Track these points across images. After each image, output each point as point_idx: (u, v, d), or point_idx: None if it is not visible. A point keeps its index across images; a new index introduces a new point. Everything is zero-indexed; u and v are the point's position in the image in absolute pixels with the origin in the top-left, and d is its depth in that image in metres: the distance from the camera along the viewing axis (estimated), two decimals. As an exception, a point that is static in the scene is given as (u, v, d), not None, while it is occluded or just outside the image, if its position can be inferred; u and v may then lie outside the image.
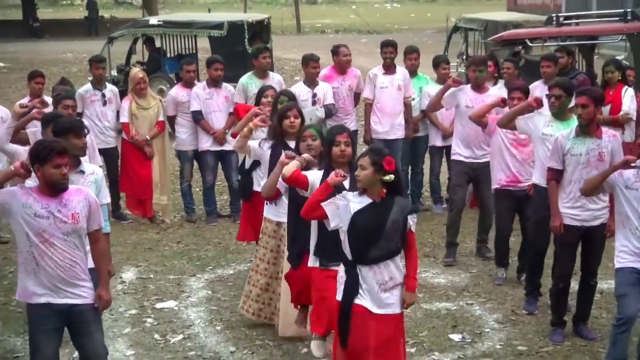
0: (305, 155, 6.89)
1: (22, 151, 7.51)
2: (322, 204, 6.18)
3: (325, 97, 11.03)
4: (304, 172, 6.76)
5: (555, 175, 7.67)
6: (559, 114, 8.10)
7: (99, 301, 6.33)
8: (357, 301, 6.16)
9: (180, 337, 8.25)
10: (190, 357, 7.82)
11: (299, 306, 7.67)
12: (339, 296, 6.29)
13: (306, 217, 6.46)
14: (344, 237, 6.19)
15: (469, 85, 10.12)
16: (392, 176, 6.01)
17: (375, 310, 6.18)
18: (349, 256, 6.19)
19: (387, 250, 6.16)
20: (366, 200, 6.12)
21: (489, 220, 10.06)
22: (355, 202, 6.12)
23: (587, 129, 7.48)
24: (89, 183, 6.66)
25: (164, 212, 12.06)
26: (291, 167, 6.69)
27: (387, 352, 6.29)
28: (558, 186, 7.69)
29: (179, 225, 11.90)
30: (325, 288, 6.75)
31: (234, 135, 8.79)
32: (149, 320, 8.66)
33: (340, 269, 6.31)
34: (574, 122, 7.78)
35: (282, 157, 6.30)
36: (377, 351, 6.20)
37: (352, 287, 6.17)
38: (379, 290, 6.17)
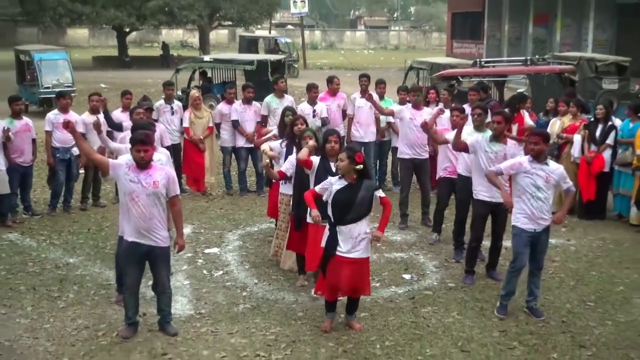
0: (311, 143, 7.25)
1: (124, 148, 7.49)
2: (316, 188, 6.58)
3: (322, 112, 11.04)
4: (311, 157, 7.15)
5: (465, 147, 7.88)
6: (479, 126, 8.18)
7: (177, 246, 6.59)
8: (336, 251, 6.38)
9: (221, 272, 8.25)
10: (228, 286, 7.82)
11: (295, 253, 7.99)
12: (323, 244, 6.54)
13: (305, 198, 6.72)
14: (328, 207, 6.43)
15: (410, 105, 10.29)
16: (361, 166, 6.28)
17: (348, 255, 6.37)
18: (332, 219, 6.42)
19: (358, 215, 6.40)
20: (344, 183, 6.39)
21: (427, 198, 10.11)
22: (336, 184, 6.40)
23: (498, 137, 7.71)
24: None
25: (211, 187, 12.01)
26: (304, 153, 7.11)
27: (356, 284, 6.49)
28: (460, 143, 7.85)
29: (221, 197, 11.86)
30: (316, 238, 6.93)
31: (256, 144, 9.72)
32: (200, 261, 8.65)
33: (326, 227, 6.52)
34: (487, 132, 8.01)
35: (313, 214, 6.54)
36: (349, 282, 6.42)
37: (333, 239, 6.42)
38: (351, 241, 6.37)
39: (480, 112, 8.11)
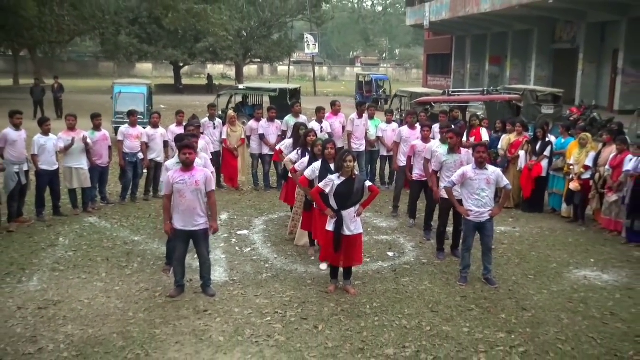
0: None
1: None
2: (320, 185, 6.53)
3: (327, 129, 11.03)
4: (305, 174, 7.15)
5: (436, 173, 7.93)
6: (445, 141, 8.20)
7: (212, 229, 6.49)
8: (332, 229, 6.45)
9: (249, 249, 8.20)
10: (254, 259, 7.77)
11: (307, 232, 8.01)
12: (329, 227, 6.50)
13: (313, 196, 6.73)
14: (331, 198, 6.43)
15: (406, 126, 10.34)
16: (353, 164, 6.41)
17: (348, 233, 6.42)
18: (335, 207, 6.40)
19: (355, 202, 6.43)
20: (342, 178, 6.39)
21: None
22: (336, 180, 6.39)
23: (454, 149, 7.70)
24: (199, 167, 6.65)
25: (243, 185, 11.95)
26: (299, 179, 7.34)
27: (352, 254, 6.55)
28: (437, 178, 7.93)
29: (250, 192, 11.77)
30: (321, 218, 7.00)
31: (276, 152, 9.57)
32: (233, 240, 8.61)
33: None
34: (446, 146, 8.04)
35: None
36: (347, 253, 6.51)
37: (340, 222, 6.40)
38: (350, 221, 6.40)
39: (453, 135, 7.88)
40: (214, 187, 6.50)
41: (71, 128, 9.60)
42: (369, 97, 30.12)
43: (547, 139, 10.30)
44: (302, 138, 8.12)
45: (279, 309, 6.23)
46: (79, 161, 9.61)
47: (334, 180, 6.41)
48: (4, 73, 42.41)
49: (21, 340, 5.47)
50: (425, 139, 9.01)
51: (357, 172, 6.50)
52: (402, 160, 9.99)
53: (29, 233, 8.68)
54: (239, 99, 20.59)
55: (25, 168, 9.03)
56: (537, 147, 10.31)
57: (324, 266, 7.32)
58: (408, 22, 45.67)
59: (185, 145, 6.27)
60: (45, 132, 9.27)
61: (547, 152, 10.19)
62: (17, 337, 5.53)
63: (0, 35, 32.41)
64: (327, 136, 10.57)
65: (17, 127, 9.01)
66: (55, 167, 9.39)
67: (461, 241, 7.32)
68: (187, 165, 6.26)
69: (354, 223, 6.46)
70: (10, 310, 6.10)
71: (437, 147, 8.30)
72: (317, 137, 8.04)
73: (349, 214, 6.41)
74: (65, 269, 7.28)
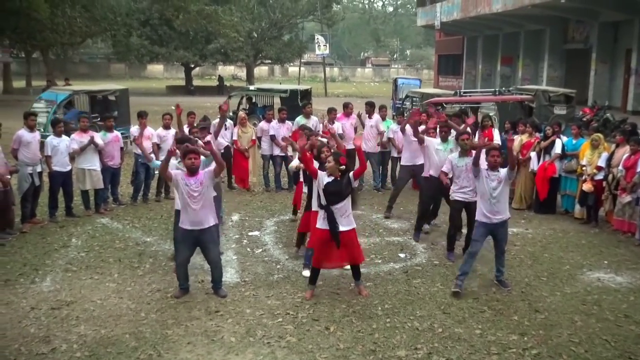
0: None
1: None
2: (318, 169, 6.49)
3: (338, 130, 10.96)
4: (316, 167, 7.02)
5: (446, 175, 7.87)
6: (445, 139, 8.38)
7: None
8: (325, 227, 6.35)
9: (260, 250, 8.21)
10: (265, 260, 7.79)
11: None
12: (321, 225, 6.42)
13: (306, 165, 6.64)
14: (321, 196, 6.36)
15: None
16: (343, 167, 6.27)
17: (341, 228, 6.33)
18: (324, 203, 6.32)
19: (343, 199, 6.30)
20: (331, 178, 6.33)
21: None
22: (325, 179, 6.34)
23: (466, 152, 7.60)
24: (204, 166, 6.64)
25: (254, 185, 11.97)
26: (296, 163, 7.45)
27: (348, 249, 6.47)
28: (446, 176, 7.85)
29: (262, 193, 11.80)
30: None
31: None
32: (245, 241, 8.61)
33: (320, 211, 6.44)
34: (450, 143, 8.22)
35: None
36: (346, 250, 6.46)
37: (332, 218, 6.30)
38: (341, 217, 6.32)
39: (468, 136, 7.82)
40: (214, 169, 6.38)
41: (84, 129, 9.68)
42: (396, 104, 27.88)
43: (557, 138, 10.22)
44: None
45: (291, 310, 6.24)
46: (91, 162, 9.69)
47: (322, 177, 6.37)
48: (16, 75, 42.72)
49: (34, 340, 5.52)
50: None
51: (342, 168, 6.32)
52: (406, 159, 9.88)
53: (41, 234, 8.76)
54: (249, 100, 20.65)
55: (39, 169, 9.12)
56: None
57: (306, 273, 7.09)
58: (419, 23, 45.57)
59: (191, 150, 6.29)
60: (58, 134, 9.36)
61: (558, 150, 10.11)
62: (30, 337, 5.58)
63: (13, 37, 32.75)
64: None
65: (31, 128, 9.10)
66: (68, 168, 9.47)
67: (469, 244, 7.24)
68: (192, 171, 6.27)
69: (345, 218, 6.37)
70: (23, 310, 6.16)
71: (438, 144, 8.28)
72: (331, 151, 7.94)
73: (338, 209, 6.32)
74: (78, 270, 7.34)
